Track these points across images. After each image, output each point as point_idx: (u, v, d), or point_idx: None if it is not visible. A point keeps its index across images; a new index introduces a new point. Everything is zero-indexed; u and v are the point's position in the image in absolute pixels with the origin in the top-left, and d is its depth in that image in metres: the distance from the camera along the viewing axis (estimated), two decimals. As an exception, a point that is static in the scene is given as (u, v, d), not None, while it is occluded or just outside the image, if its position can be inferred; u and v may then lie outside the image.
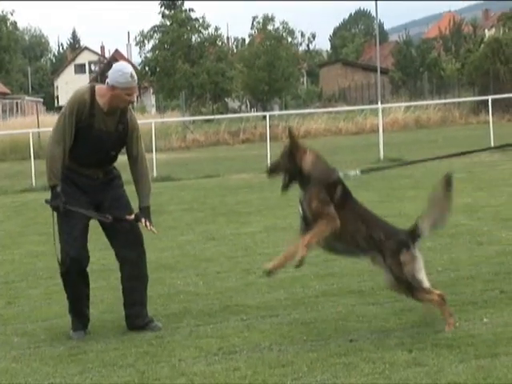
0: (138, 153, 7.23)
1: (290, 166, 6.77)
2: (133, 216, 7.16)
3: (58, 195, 7.04)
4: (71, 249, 7.05)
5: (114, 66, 7.05)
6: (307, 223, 6.73)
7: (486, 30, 77.99)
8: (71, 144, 7.00)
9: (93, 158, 7.09)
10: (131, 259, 7.21)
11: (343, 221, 6.62)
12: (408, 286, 6.55)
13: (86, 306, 7.34)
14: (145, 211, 7.21)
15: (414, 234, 6.65)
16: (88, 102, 6.97)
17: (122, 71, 6.90)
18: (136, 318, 7.23)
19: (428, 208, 6.74)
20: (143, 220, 7.15)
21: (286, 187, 6.90)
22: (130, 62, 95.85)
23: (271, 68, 64.29)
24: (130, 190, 7.35)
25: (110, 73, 6.95)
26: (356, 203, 6.81)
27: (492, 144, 23.87)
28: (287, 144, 6.85)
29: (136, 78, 6.97)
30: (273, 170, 7.00)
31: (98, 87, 7.09)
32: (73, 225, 7.08)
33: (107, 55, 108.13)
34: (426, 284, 6.55)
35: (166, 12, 67.26)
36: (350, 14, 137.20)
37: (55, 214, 7.22)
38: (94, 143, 7.02)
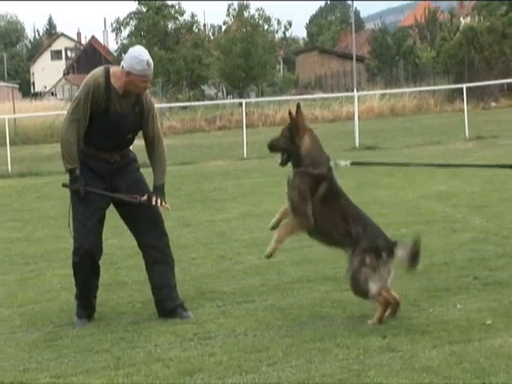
0: (154, 133, 7.13)
1: (289, 145, 6.77)
2: (145, 197, 7.04)
3: (78, 178, 6.90)
4: (86, 241, 6.96)
5: (130, 50, 6.87)
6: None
7: (461, 19, 78.21)
8: (86, 128, 6.88)
9: (110, 141, 6.97)
10: (154, 244, 7.14)
11: (322, 217, 6.65)
12: (357, 285, 6.53)
13: (93, 296, 7.25)
14: (158, 189, 7.10)
15: (391, 249, 6.53)
16: (103, 85, 6.83)
17: (138, 58, 6.74)
18: (166, 300, 7.11)
19: (406, 245, 6.59)
20: (154, 199, 7.03)
21: (284, 163, 6.92)
22: (106, 48, 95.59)
23: (248, 55, 64.14)
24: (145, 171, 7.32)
25: (127, 58, 6.81)
26: (341, 199, 6.75)
27: (467, 132, 24.03)
28: (290, 122, 6.80)
29: (152, 65, 6.83)
30: (272, 147, 6.95)
31: (113, 70, 6.94)
32: (88, 216, 6.96)
33: (83, 42, 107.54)
34: (373, 293, 6.47)
35: (142, -1, 66.96)
36: (326, 2, 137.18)
37: (70, 201, 7.09)
38: (110, 127, 6.89)
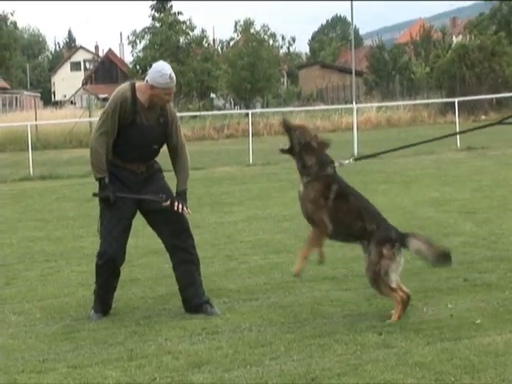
0: (177, 142, 7.08)
1: (299, 144, 6.67)
2: (168, 202, 6.96)
3: (107, 186, 6.86)
4: (109, 247, 6.92)
5: (154, 65, 6.85)
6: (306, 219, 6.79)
7: (454, 37, 78.17)
8: (114, 139, 6.84)
9: (136, 152, 6.91)
10: (181, 246, 7.07)
11: (338, 218, 6.60)
12: (376, 277, 6.46)
13: (111, 296, 7.19)
14: (181, 194, 7.03)
15: (403, 240, 6.54)
16: (130, 99, 6.80)
17: (161, 72, 6.73)
18: (193, 298, 7.07)
19: (425, 241, 6.62)
20: (176, 204, 6.94)
21: (283, 152, 6.82)
22: (122, 60, 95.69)
23: (253, 68, 64.16)
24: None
25: (150, 72, 6.78)
26: (352, 199, 6.70)
27: (458, 142, 24.00)
28: (309, 130, 6.80)
29: (174, 78, 6.81)
30: (287, 129, 6.81)
31: (139, 84, 6.91)
32: (114, 224, 6.92)
33: (101, 54, 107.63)
34: (394, 284, 6.46)
35: (156, 15, 67.11)
36: (328, 20, 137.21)
37: (100, 208, 7.05)
38: (137, 138, 6.85)
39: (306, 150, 6.69)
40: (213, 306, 7.10)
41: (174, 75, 6.81)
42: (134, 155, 6.94)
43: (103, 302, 7.15)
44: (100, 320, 7.00)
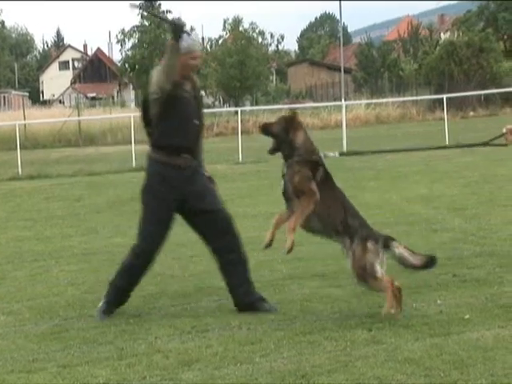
0: (203, 116, 6.95)
1: (283, 134, 6.59)
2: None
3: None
4: (154, 247, 6.86)
5: None
6: (287, 198, 6.58)
7: (442, 34, 78.27)
8: (160, 120, 6.61)
9: (181, 131, 6.64)
10: (227, 247, 6.92)
11: (324, 200, 6.46)
12: (363, 271, 6.36)
13: (126, 299, 7.05)
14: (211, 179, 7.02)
15: (386, 242, 6.46)
16: None
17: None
18: (245, 296, 6.91)
19: (410, 252, 6.56)
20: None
21: (272, 152, 6.76)
22: (110, 59, 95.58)
23: (242, 66, 64.16)
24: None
25: None
26: (337, 187, 6.65)
27: (447, 139, 24.04)
28: (287, 116, 6.73)
29: (198, 41, 6.55)
30: (265, 130, 6.73)
31: None
32: (157, 227, 6.86)
33: (90, 53, 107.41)
34: (380, 274, 6.37)
35: (145, 13, 67.04)
36: (316, 18, 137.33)
37: (143, 209, 6.89)
38: (180, 112, 6.59)
39: (292, 135, 6.58)
40: (267, 301, 6.94)
41: (196, 38, 6.58)
42: (179, 136, 6.66)
43: (117, 304, 7.00)
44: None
